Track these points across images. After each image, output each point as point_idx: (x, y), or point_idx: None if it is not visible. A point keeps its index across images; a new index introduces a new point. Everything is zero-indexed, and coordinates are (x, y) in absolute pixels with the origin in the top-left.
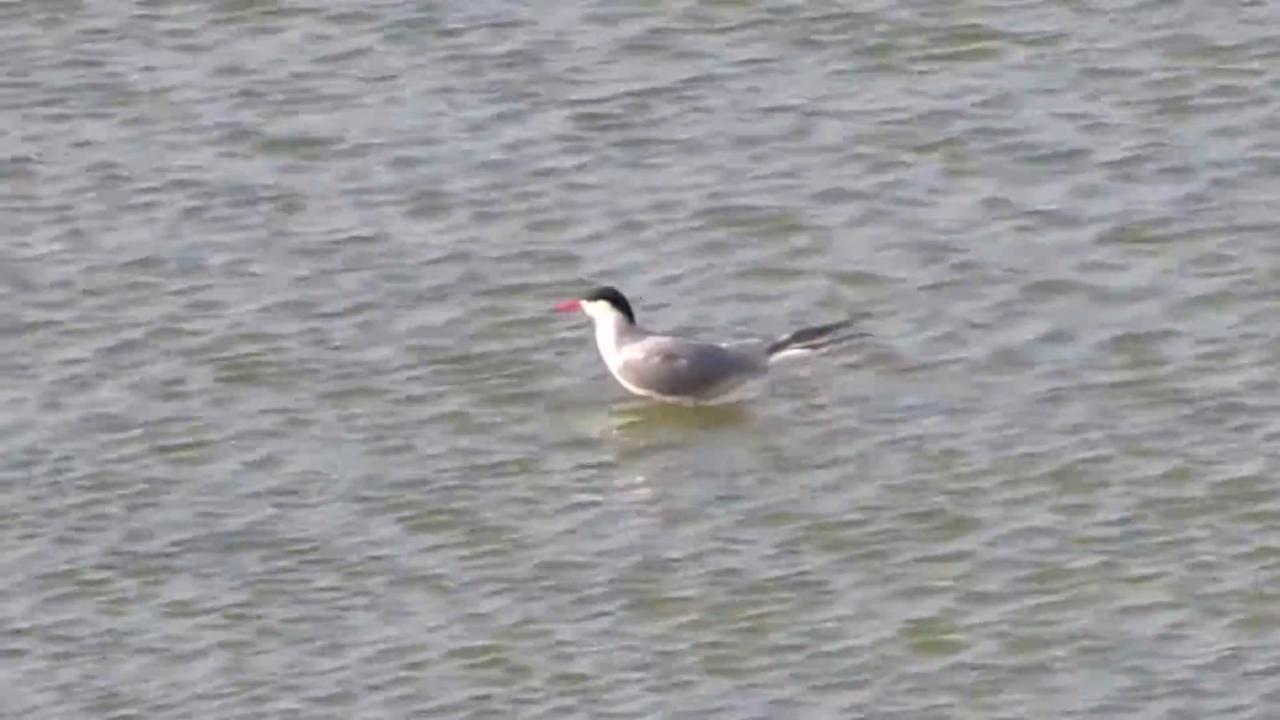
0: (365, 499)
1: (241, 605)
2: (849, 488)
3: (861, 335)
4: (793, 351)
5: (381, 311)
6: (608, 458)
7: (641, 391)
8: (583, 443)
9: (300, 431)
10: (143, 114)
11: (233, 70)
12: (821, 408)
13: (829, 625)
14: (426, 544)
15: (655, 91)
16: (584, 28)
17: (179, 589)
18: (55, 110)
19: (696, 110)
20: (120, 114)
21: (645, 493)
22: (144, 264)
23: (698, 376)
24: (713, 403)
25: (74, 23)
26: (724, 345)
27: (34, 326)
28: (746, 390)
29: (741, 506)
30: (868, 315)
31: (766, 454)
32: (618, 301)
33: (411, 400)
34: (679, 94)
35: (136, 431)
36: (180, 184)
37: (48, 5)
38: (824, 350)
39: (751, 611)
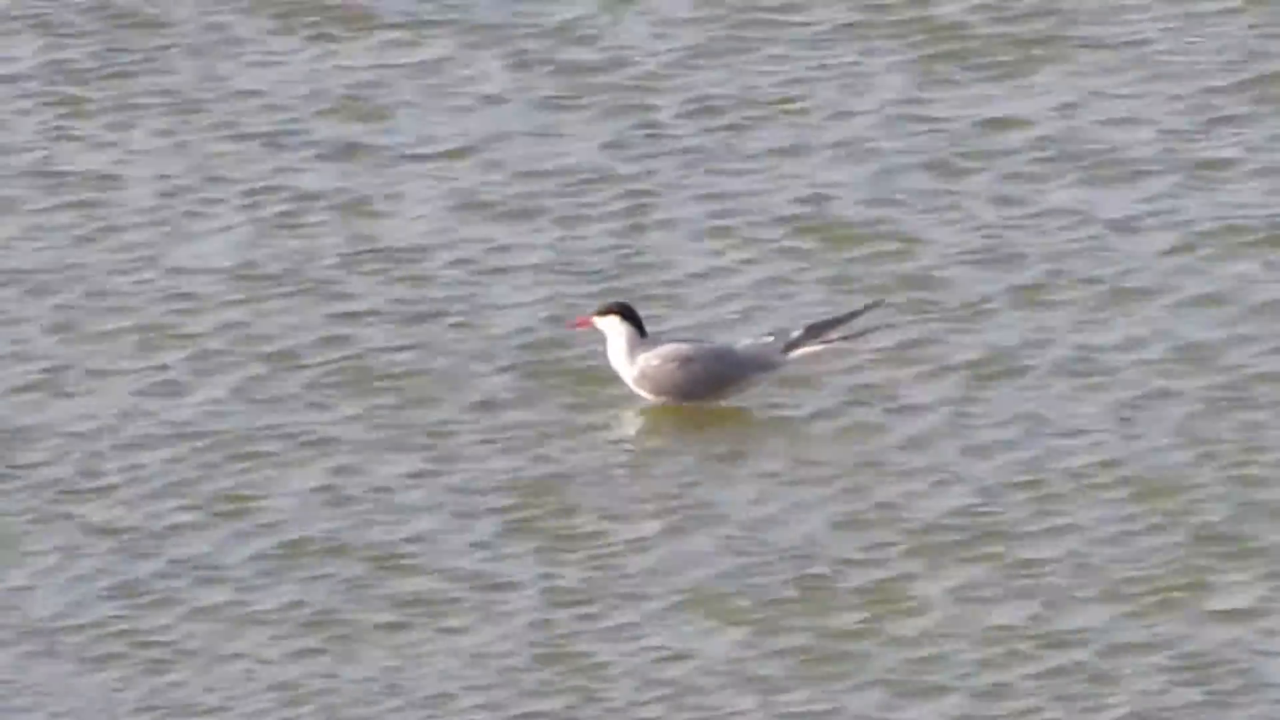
0: (453, 504)
1: (329, 612)
2: (935, 493)
3: (874, 327)
4: (808, 348)
5: (467, 317)
6: (692, 464)
7: (659, 398)
8: (669, 450)
9: (386, 437)
10: (221, 122)
11: (311, 78)
12: (903, 412)
13: (918, 631)
14: (518, 550)
15: (730, 97)
16: (661, 31)
17: (269, 597)
18: (135, 118)
19: (776, 116)
20: (199, 122)
21: (731, 498)
22: (226, 271)
23: (713, 378)
24: (729, 403)
25: (151, 34)
26: (737, 345)
27: (115, 334)
28: (762, 388)
29: (830, 511)
30: (878, 304)
31: (852, 459)
32: (628, 315)
33: (498, 405)
34: (754, 100)
35: (221, 438)
36: (267, 190)
37: (127, 17)
38: (837, 344)
39: (842, 617)
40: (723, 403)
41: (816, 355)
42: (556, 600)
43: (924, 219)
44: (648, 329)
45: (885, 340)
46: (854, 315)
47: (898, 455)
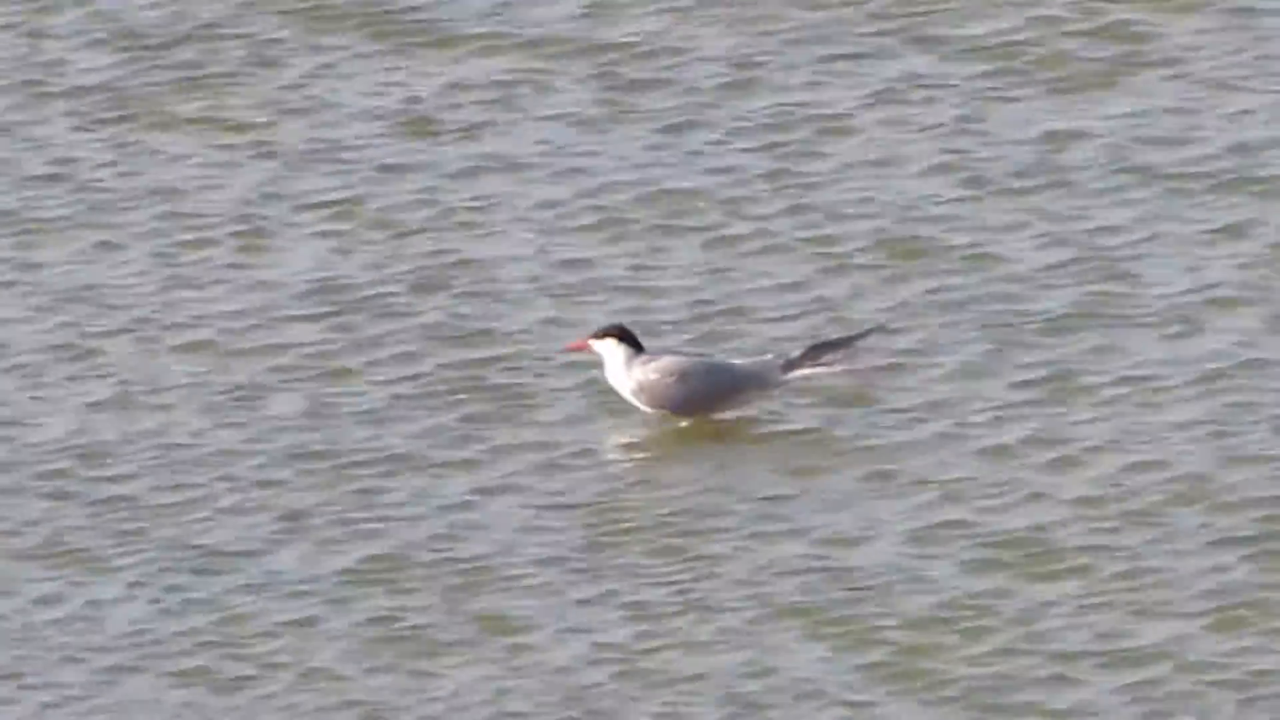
0: (530, 520)
1: (411, 628)
2: (1013, 508)
3: (873, 350)
4: (808, 369)
5: (546, 332)
6: (769, 478)
7: (655, 412)
8: (744, 464)
9: (464, 453)
10: (301, 137)
11: (390, 93)
12: (978, 426)
13: (996, 647)
14: (609, 561)
15: (805, 111)
16: (733, 45)
17: (350, 612)
18: (212, 133)
19: (856, 132)
20: (276, 137)
21: (808, 512)
22: (305, 286)
23: (711, 393)
24: (725, 417)
25: (229, 48)
26: (735, 361)
27: (209, 346)
28: (757, 406)
29: (923, 522)
30: (880, 329)
31: (927, 473)
32: (624, 337)
33: (576, 421)
34: (841, 117)
35: (299, 454)
36: (347, 205)
37: (204, 31)
38: (837, 366)
39: (921, 632)
40: (729, 415)
41: (815, 376)
42: (637, 615)
43: (998, 234)
44: (668, 345)
45: (956, 355)
46: (855, 338)
47: (973, 469)
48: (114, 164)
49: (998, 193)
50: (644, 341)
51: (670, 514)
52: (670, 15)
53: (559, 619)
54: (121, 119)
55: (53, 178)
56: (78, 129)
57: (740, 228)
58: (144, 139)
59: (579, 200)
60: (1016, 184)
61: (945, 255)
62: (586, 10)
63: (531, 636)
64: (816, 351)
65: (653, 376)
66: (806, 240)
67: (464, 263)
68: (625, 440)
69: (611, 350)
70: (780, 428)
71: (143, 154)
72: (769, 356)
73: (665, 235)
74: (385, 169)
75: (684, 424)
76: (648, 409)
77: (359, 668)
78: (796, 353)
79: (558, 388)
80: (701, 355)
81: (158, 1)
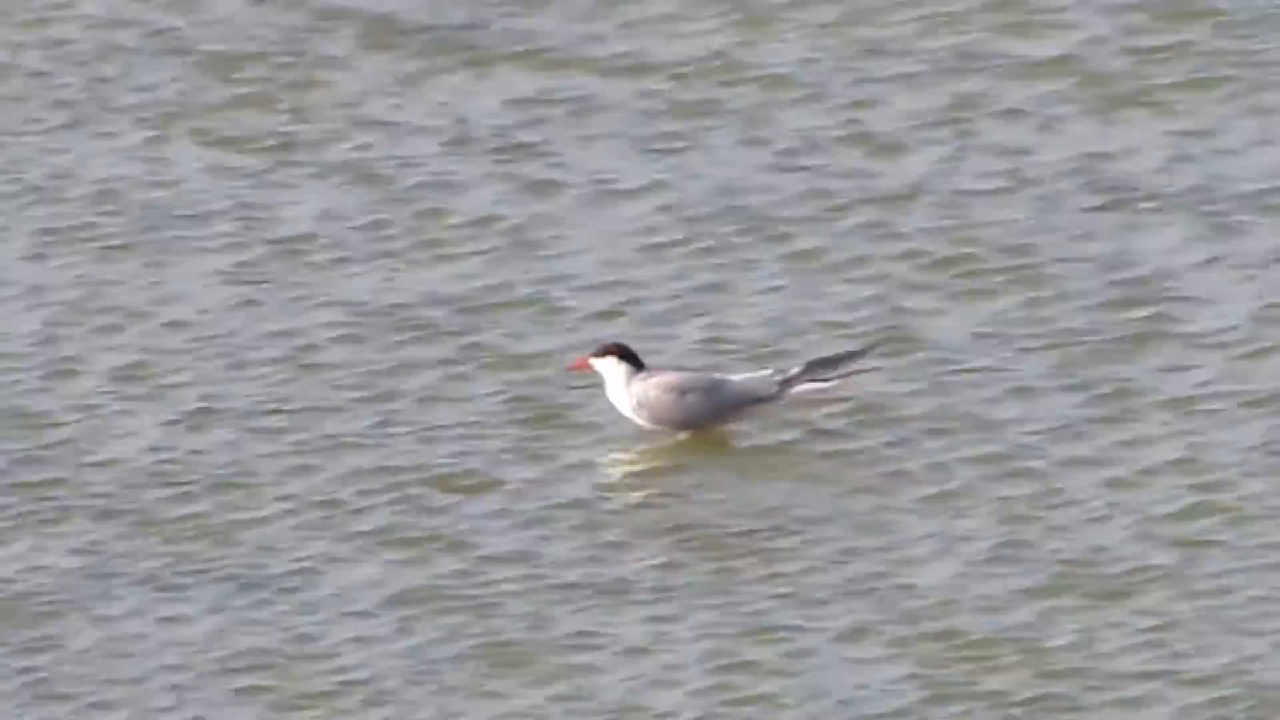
0: (628, 526)
1: (509, 638)
2: (1089, 526)
3: (871, 368)
4: (805, 385)
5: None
6: (851, 496)
7: (655, 427)
8: (819, 486)
9: (552, 469)
10: (386, 156)
11: (474, 113)
12: (1051, 445)
13: (1073, 665)
14: (676, 581)
15: (890, 125)
16: (814, 59)
17: (434, 626)
18: (287, 152)
19: (915, 150)
20: (358, 158)
21: (893, 527)
22: (388, 303)
23: (710, 408)
24: (724, 430)
25: (300, 65)
26: (733, 377)
27: (276, 364)
28: (756, 421)
29: (980, 546)
30: (876, 346)
31: (1005, 491)
32: (624, 355)
33: (648, 440)
34: (898, 133)
35: (382, 468)
36: (431, 220)
37: (284, 53)
38: (835, 383)
39: (997, 649)
40: (728, 427)
41: (812, 392)
42: (706, 635)
43: (1058, 253)
44: (670, 362)
45: (1017, 374)
46: (852, 356)
47: (1069, 484)
48: (178, 183)
49: (1060, 211)
50: (701, 360)
51: (735, 533)
52: (729, 32)
53: (627, 639)
54: (204, 143)
55: (113, 194)
56: (145, 145)
57: (803, 243)
58: (206, 155)
59: (646, 218)
60: (1078, 202)
61: (1005, 274)
62: (646, 29)
63: (600, 656)
64: (814, 367)
65: (652, 393)
66: (870, 259)
67: (528, 281)
68: (716, 454)
69: (612, 368)
70: (839, 446)
71: (206, 171)
72: (767, 372)
73: (729, 252)
74: (447, 187)
75: (682, 436)
76: (648, 425)
77: (424, 690)
78: (795, 369)
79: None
80: (700, 370)
81: (221, 18)
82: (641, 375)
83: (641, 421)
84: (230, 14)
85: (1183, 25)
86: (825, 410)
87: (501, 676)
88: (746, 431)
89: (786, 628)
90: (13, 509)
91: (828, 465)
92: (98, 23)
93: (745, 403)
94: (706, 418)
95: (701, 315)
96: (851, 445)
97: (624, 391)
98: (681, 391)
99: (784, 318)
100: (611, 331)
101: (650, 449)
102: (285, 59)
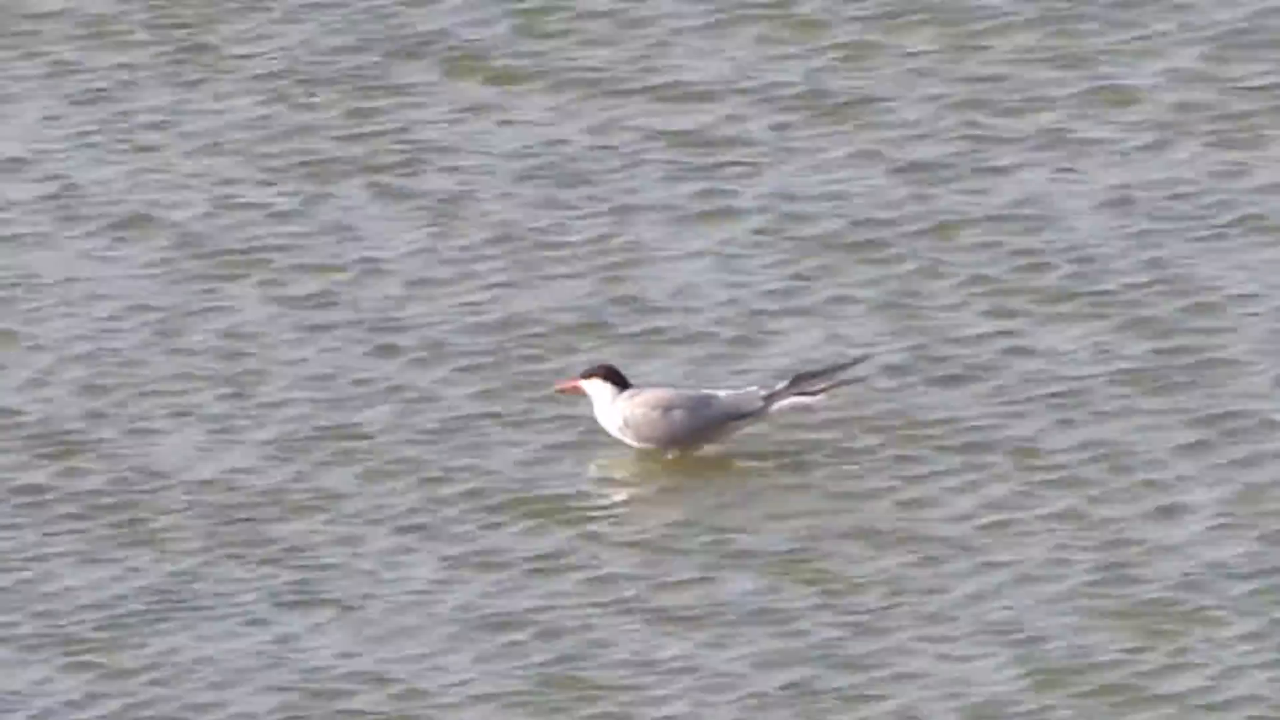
0: (727, 546)
1: (576, 662)
2: (1215, 537)
3: (857, 380)
4: (792, 399)
5: (744, 363)
6: (936, 523)
7: (642, 445)
8: (896, 512)
9: (647, 489)
10: (508, 173)
11: (578, 133)
12: (1146, 472)
13: (1199, 683)
14: (797, 589)
15: (1003, 136)
16: (915, 71)
17: (538, 649)
18: (382, 177)
19: (1013, 173)
20: (436, 184)
21: (1016, 541)
22: (488, 320)
23: (696, 426)
24: (703, 450)
25: (387, 94)
26: (719, 393)
27: (369, 385)
28: (741, 437)
29: (1097, 557)
30: (864, 359)
31: (1117, 507)
32: (610, 375)
33: (776, 451)
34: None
35: (491, 494)
36: (531, 236)
37: (359, 73)
38: (820, 397)
39: (1111, 668)
40: (707, 449)
41: (800, 406)
42: (843, 636)
43: (1168, 275)
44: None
45: (1119, 400)
46: (840, 369)
47: (1130, 501)
48: (268, 206)
49: (1163, 234)
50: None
51: (871, 539)
52: (835, 55)
53: (701, 662)
54: (292, 165)
55: (200, 219)
56: (236, 167)
57: (905, 265)
58: (295, 183)
59: (735, 241)
60: (1177, 226)
61: (1109, 297)
62: (743, 52)
63: (652, 678)
64: (800, 382)
65: (637, 411)
66: (969, 279)
67: (616, 304)
68: (817, 463)
69: (598, 389)
70: (912, 471)
71: (304, 198)
72: (752, 388)
73: (856, 265)
74: (546, 205)
75: (670, 456)
76: (635, 444)
77: (528, 684)
78: (781, 384)
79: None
80: (685, 388)
81: (305, 40)
82: (627, 394)
83: (629, 440)
84: (309, 39)
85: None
86: (893, 432)
87: (581, 691)
88: (817, 443)
89: (886, 631)
90: (107, 528)
91: (883, 480)
92: (191, 55)
93: (731, 419)
94: (692, 434)
95: (791, 333)
96: (924, 470)
97: (610, 411)
98: (666, 408)
99: (898, 333)
100: (700, 353)
101: (715, 469)
102: (366, 85)
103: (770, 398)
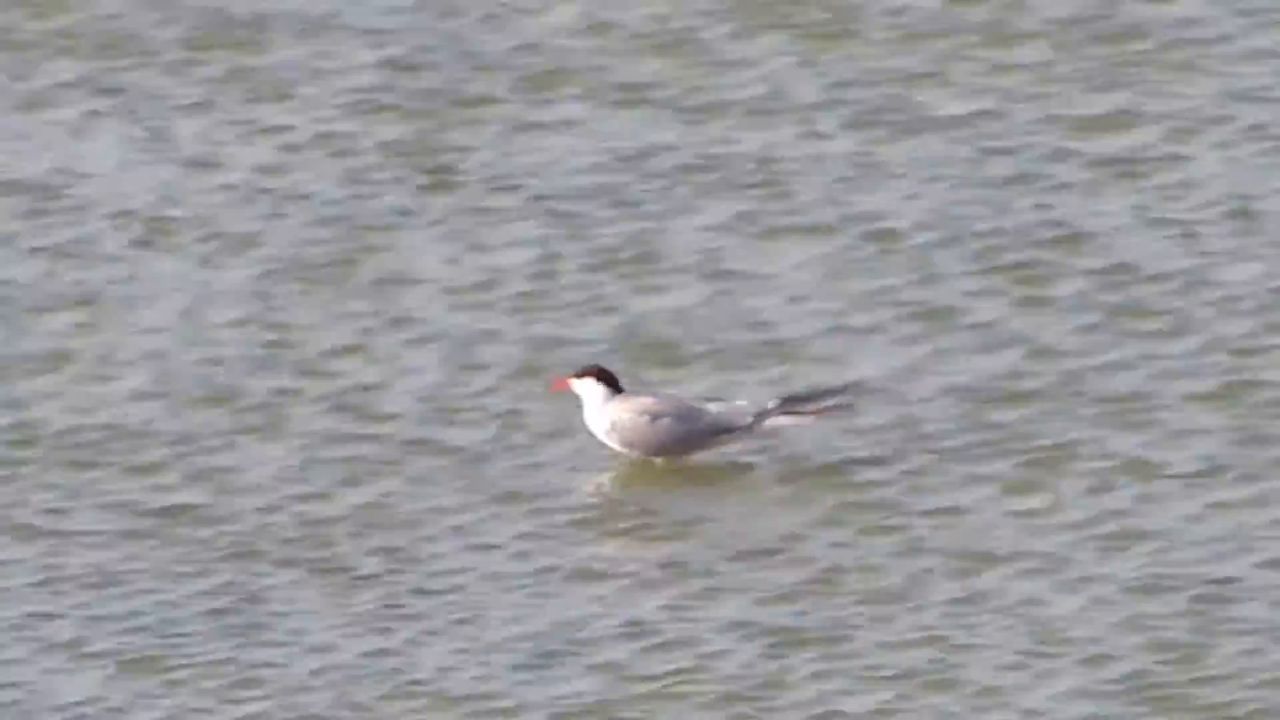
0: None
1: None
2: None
3: (848, 404)
4: (780, 419)
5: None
6: (992, 538)
7: (628, 452)
8: (951, 526)
9: (725, 515)
10: (584, 188)
11: (667, 146)
12: (1198, 477)
13: (1230, 696)
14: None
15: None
16: (991, 85)
17: (582, 671)
18: (462, 194)
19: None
20: (548, 196)
21: (1084, 555)
22: (602, 335)
23: (681, 435)
24: (688, 462)
25: (462, 113)
26: (709, 406)
27: (435, 400)
28: (729, 451)
29: (1143, 571)
30: (856, 383)
31: (1164, 522)
32: (601, 377)
33: (855, 466)
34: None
35: (538, 509)
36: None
37: (436, 92)
38: (810, 418)
39: (1155, 682)
40: (695, 458)
41: (786, 427)
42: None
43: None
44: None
45: (1178, 412)
46: (830, 392)
47: (1168, 511)
48: (365, 221)
49: (1229, 251)
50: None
51: (942, 550)
52: (916, 78)
53: (749, 688)
54: (390, 181)
55: (269, 234)
56: (339, 193)
57: (1028, 289)
58: (406, 200)
59: (844, 253)
60: (1240, 242)
61: (1170, 315)
62: (820, 68)
63: (843, 646)
64: (791, 403)
65: (625, 416)
66: (1064, 296)
67: (725, 319)
68: (902, 475)
69: (589, 390)
70: (971, 494)
71: (400, 213)
72: (743, 403)
73: (937, 281)
74: (672, 219)
75: (658, 463)
76: (619, 449)
77: (573, 687)
78: (772, 402)
79: (856, 428)
80: (675, 397)
81: (391, 58)
82: (618, 398)
83: (613, 445)
84: (388, 60)
85: None
86: (943, 452)
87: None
88: (864, 459)
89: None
90: (157, 546)
91: (954, 507)
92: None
93: (717, 432)
94: (677, 444)
95: (893, 334)
96: (984, 489)
97: (598, 414)
98: (654, 416)
99: (1006, 344)
100: (810, 372)
101: (843, 475)
102: (448, 98)
103: (760, 416)
